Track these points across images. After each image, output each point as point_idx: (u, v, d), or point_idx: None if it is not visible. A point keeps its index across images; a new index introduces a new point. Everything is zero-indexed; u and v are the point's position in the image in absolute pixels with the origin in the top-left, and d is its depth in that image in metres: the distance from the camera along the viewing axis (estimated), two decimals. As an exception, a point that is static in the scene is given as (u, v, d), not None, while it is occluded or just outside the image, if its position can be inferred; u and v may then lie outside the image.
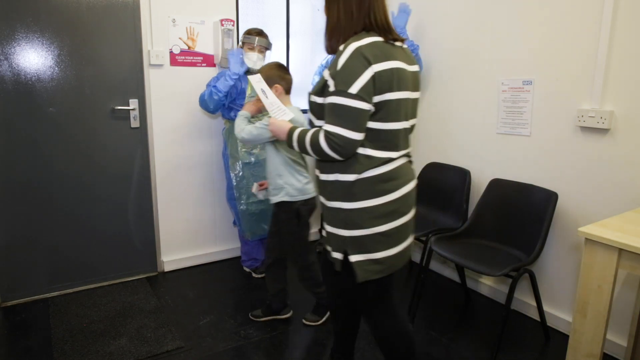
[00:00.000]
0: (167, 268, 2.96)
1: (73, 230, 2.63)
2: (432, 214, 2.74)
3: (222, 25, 2.79)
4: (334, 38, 1.45)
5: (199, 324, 2.33)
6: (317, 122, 1.47)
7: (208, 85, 2.62)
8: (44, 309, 2.46)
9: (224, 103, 2.63)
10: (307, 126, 1.69)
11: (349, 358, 1.88)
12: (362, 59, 1.31)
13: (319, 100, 1.43)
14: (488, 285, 2.69)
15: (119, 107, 2.66)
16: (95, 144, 2.63)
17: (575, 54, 2.12)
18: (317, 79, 3.07)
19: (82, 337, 2.18)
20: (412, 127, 1.55)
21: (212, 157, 3.01)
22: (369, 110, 1.34)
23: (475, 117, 2.65)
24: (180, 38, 2.76)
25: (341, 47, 1.36)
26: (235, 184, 2.67)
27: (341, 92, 1.32)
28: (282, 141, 1.73)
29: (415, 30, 2.97)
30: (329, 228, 1.51)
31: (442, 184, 2.76)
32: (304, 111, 1.99)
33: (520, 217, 2.27)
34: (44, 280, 2.60)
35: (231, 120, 2.68)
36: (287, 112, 1.74)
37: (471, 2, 2.61)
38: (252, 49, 2.61)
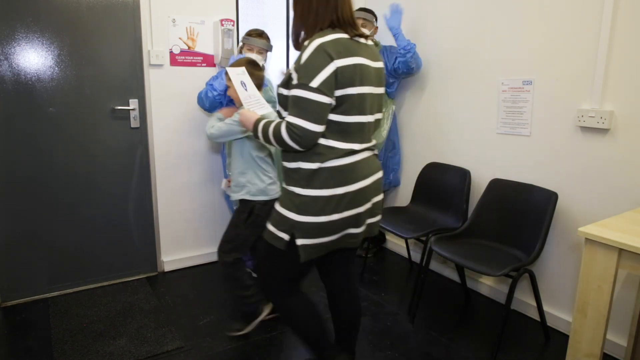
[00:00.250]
0: (167, 268, 2.97)
1: (73, 230, 2.64)
2: (432, 214, 2.74)
3: (222, 25, 2.79)
4: (300, 34, 1.50)
5: (199, 324, 2.33)
6: (284, 114, 1.51)
7: (207, 83, 2.62)
8: (44, 309, 2.46)
9: (221, 102, 2.63)
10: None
11: (347, 351, 1.82)
12: (324, 55, 1.36)
13: (285, 92, 1.48)
14: (488, 285, 2.68)
15: (119, 107, 2.66)
16: (96, 144, 2.63)
17: (575, 54, 2.12)
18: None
19: (82, 337, 2.18)
20: (377, 121, 1.60)
21: (212, 157, 3.01)
22: (329, 104, 1.39)
23: (475, 117, 2.65)
24: (180, 38, 2.77)
25: (306, 43, 1.41)
26: (235, 183, 2.66)
27: (303, 85, 1.37)
28: (252, 137, 1.73)
29: (415, 30, 2.97)
30: (281, 210, 1.52)
31: (442, 184, 2.76)
32: None
33: (520, 217, 2.27)
34: (44, 280, 2.60)
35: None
36: (267, 106, 1.75)
37: (471, 2, 2.61)
38: (251, 50, 2.61)
